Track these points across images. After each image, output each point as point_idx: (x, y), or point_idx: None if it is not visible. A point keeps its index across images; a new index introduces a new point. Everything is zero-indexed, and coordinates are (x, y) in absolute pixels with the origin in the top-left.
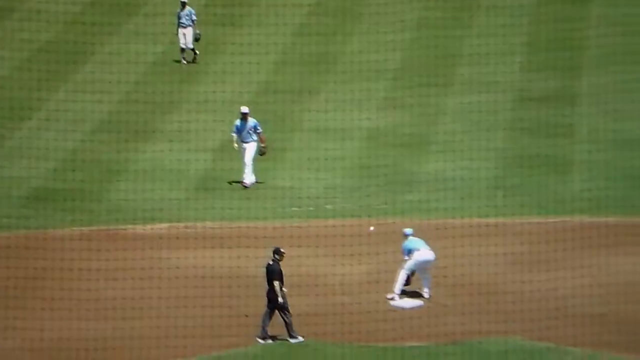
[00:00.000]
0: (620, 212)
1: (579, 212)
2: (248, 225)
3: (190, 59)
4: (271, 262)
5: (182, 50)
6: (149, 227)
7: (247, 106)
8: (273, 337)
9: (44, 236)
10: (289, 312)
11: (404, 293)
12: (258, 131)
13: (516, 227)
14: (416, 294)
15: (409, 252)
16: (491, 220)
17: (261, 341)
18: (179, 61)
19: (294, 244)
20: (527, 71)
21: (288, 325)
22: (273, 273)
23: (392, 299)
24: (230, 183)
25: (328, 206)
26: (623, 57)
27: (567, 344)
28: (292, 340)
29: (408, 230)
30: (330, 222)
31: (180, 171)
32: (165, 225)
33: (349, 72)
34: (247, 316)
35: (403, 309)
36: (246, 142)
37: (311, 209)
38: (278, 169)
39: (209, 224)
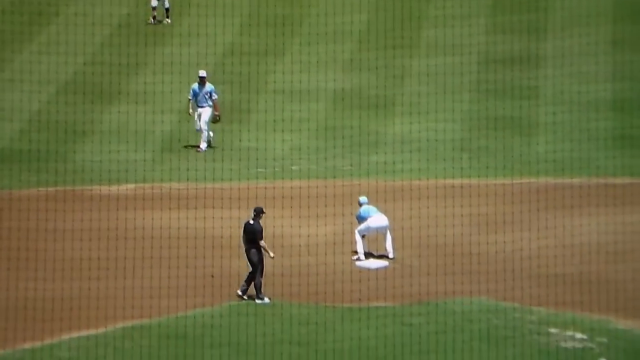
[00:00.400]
0: (584, 174)
1: (543, 173)
2: (214, 186)
3: (161, 18)
4: (252, 222)
5: (154, 8)
6: (114, 187)
7: (213, 68)
8: (244, 298)
9: (9, 196)
10: (262, 274)
11: (370, 254)
12: (213, 97)
13: (481, 189)
14: (382, 255)
15: (363, 219)
16: (456, 181)
17: (240, 293)
18: (148, 21)
19: (260, 204)
20: (493, 33)
21: (257, 287)
22: (256, 232)
23: (357, 259)
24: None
25: (293, 167)
26: (587, 19)
27: (532, 303)
28: (258, 301)
29: (363, 199)
30: (296, 183)
31: (146, 132)
32: (131, 186)
33: (315, 33)
34: (212, 276)
35: (369, 269)
36: (201, 107)
37: (277, 170)
38: (244, 130)
39: (174, 184)
